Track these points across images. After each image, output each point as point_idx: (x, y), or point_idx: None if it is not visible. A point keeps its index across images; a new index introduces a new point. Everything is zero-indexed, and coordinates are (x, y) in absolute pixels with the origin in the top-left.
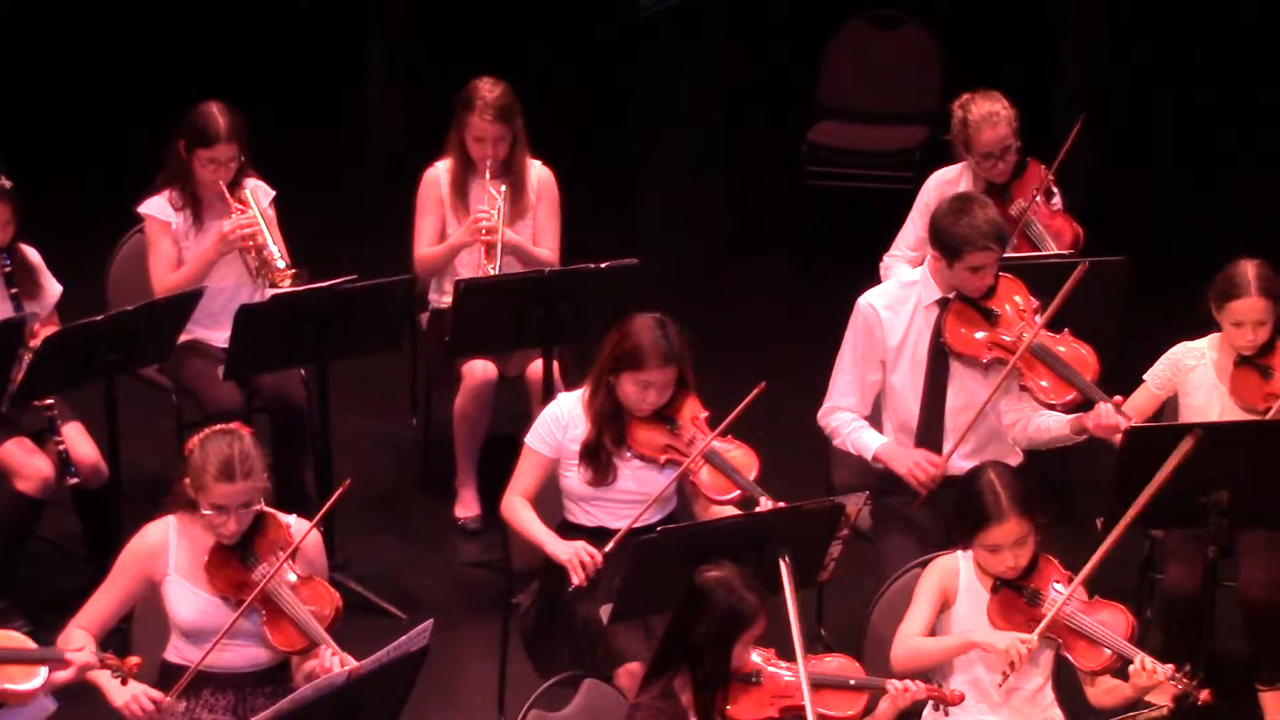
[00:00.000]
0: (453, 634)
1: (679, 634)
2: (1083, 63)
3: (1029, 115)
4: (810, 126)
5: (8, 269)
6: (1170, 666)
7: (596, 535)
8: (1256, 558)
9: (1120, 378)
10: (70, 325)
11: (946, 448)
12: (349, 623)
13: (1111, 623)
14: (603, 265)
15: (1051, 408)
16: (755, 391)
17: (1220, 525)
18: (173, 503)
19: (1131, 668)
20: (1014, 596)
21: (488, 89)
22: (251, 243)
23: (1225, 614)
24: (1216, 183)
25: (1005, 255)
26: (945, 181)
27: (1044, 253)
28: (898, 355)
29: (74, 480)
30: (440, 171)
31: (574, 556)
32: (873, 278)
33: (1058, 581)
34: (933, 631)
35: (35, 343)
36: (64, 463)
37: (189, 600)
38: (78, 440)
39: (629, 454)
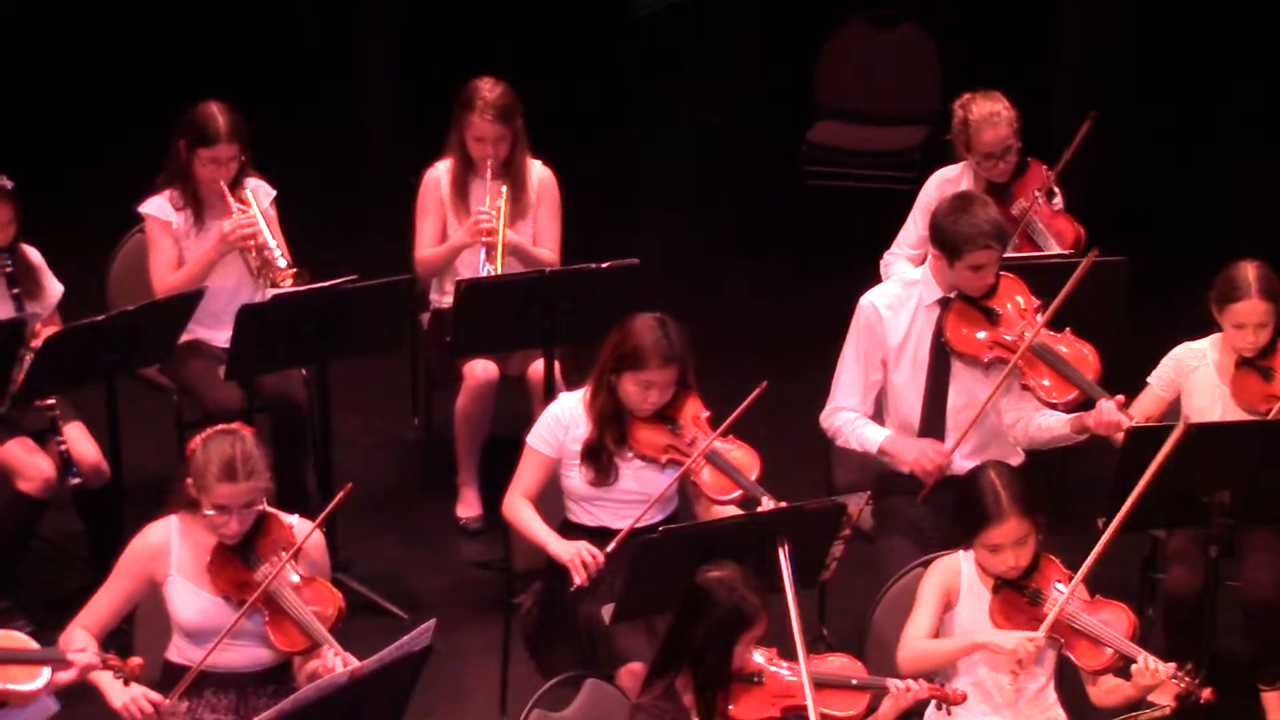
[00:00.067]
0: (455, 634)
1: (681, 634)
2: (1082, 63)
3: (1029, 115)
4: (810, 126)
5: (9, 269)
6: (1172, 665)
7: (598, 535)
8: (1258, 558)
9: (1121, 378)
10: (71, 325)
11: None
12: (351, 623)
13: (1113, 622)
14: (603, 265)
15: (1053, 407)
16: (756, 391)
17: (1222, 525)
18: (174, 503)
19: (1134, 667)
20: (1016, 596)
21: (488, 89)
22: (252, 242)
23: (1227, 614)
24: (1217, 183)
25: (1007, 255)
26: (946, 180)
27: (1046, 252)
28: (899, 354)
29: (75, 480)
30: (441, 172)
31: (576, 556)
32: (873, 277)
33: (1059, 581)
34: (937, 633)
35: (36, 343)
36: (66, 463)
37: (191, 600)
38: (79, 440)
39: (630, 454)
